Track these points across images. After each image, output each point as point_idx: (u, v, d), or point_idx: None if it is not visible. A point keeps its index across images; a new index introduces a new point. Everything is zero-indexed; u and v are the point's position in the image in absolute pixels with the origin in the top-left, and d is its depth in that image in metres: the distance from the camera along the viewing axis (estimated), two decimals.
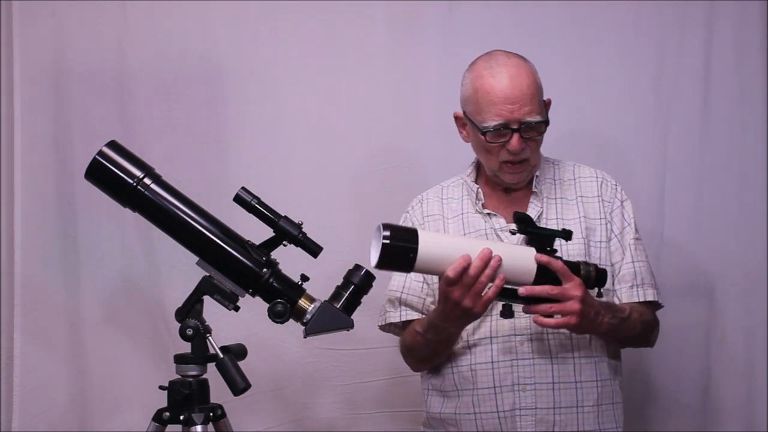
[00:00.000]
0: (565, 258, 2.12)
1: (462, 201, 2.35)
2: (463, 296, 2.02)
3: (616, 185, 2.34)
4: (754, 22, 2.81)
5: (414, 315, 2.32)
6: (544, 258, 2.05)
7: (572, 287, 2.06)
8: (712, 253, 2.82)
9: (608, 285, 2.26)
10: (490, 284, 2.02)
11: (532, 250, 2.07)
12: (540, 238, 2.08)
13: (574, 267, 2.09)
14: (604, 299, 2.19)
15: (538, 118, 2.18)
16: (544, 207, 2.29)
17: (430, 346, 2.25)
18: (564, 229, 2.10)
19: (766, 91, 2.79)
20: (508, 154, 2.20)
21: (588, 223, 2.28)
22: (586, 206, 2.30)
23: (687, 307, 2.71)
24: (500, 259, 2.01)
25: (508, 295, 2.08)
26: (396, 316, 2.34)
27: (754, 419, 2.78)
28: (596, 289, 2.12)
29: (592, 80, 2.85)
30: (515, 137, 2.18)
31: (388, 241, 1.97)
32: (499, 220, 2.29)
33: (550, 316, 2.07)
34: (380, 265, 2.01)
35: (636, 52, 2.86)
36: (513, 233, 2.10)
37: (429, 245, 2.00)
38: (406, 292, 2.33)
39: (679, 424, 2.82)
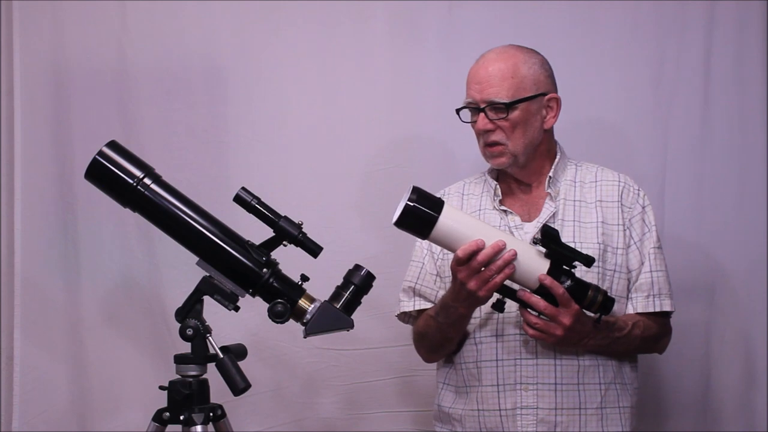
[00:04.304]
0: (578, 275, 2.12)
1: (481, 197, 2.37)
2: (469, 278, 2.07)
3: (638, 191, 2.33)
4: (754, 22, 2.81)
5: (427, 305, 2.34)
6: (548, 281, 2.07)
7: (564, 314, 2.10)
8: (712, 252, 2.81)
9: (624, 292, 2.27)
10: None
11: (546, 262, 2.09)
12: (558, 257, 2.09)
13: (583, 288, 2.10)
14: (614, 306, 2.19)
15: (500, 99, 2.21)
16: (561, 208, 2.29)
17: (441, 329, 2.26)
18: (587, 256, 2.09)
19: (766, 91, 2.79)
20: (480, 136, 2.26)
21: (605, 228, 2.28)
22: (605, 211, 2.30)
23: (687, 307, 2.70)
24: (515, 254, 2.05)
25: (506, 291, 2.11)
26: (410, 305, 2.36)
27: (754, 419, 2.78)
28: (596, 315, 2.14)
29: (592, 80, 2.84)
30: (480, 117, 2.24)
31: (411, 204, 2.04)
32: (514, 218, 2.30)
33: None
34: (399, 224, 2.07)
35: (636, 52, 2.86)
36: (535, 243, 2.10)
37: (450, 220, 2.06)
38: (420, 283, 2.35)
39: (679, 424, 2.82)
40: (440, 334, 2.28)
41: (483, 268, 2.06)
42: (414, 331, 2.39)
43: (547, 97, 2.28)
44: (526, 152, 2.27)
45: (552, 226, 2.17)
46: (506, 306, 2.15)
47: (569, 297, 2.09)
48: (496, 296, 2.12)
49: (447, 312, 2.21)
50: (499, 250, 2.04)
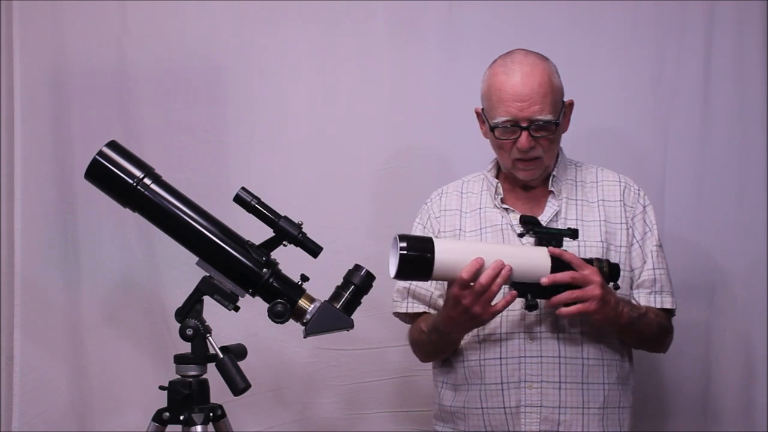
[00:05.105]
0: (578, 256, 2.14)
1: (481, 195, 2.36)
2: (474, 302, 2.06)
3: (639, 190, 2.34)
4: (754, 22, 2.81)
5: (421, 307, 2.34)
6: (557, 250, 2.08)
7: (591, 273, 2.09)
8: (712, 253, 2.82)
9: (626, 290, 2.27)
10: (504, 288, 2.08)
11: (545, 249, 2.10)
12: (547, 237, 2.11)
13: (587, 262, 2.12)
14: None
15: (547, 117, 2.19)
16: (563, 207, 2.29)
17: (434, 345, 2.28)
18: (570, 228, 2.13)
19: (766, 91, 2.79)
20: (519, 152, 2.22)
21: (608, 227, 2.28)
22: (608, 210, 2.30)
23: (687, 307, 2.70)
24: (511, 269, 2.04)
25: (529, 290, 2.10)
26: (403, 306, 2.36)
27: (754, 419, 2.78)
28: (611, 284, 2.15)
29: (592, 80, 2.84)
30: (524, 135, 2.19)
31: (404, 252, 2.01)
32: (516, 216, 2.29)
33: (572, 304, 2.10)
34: (399, 275, 2.04)
35: (636, 52, 2.86)
36: (521, 236, 2.11)
37: (445, 253, 2.04)
38: (415, 284, 2.34)
39: (679, 424, 2.82)
40: (433, 348, 2.31)
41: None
42: (409, 336, 2.40)
43: (566, 102, 2.29)
44: (553, 161, 2.29)
45: (525, 215, 2.17)
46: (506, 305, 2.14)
47: (582, 261, 2.09)
48: (520, 300, 2.11)
49: (439, 335, 2.22)
50: (499, 268, 2.03)
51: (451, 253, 2.05)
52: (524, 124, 2.19)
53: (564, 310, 2.10)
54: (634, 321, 2.19)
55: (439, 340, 2.24)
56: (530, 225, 2.11)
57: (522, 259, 2.08)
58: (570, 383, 2.21)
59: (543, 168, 2.27)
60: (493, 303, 2.07)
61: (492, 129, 2.23)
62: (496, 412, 2.23)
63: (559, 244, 2.11)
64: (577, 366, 2.22)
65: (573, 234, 2.13)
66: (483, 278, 2.03)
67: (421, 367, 2.53)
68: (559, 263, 2.09)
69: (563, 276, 2.08)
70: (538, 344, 2.22)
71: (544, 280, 2.08)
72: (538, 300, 2.11)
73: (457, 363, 2.30)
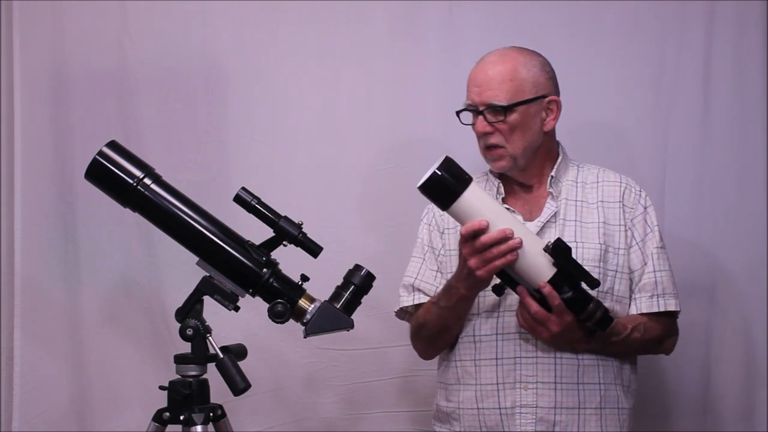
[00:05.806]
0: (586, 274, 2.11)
1: None
2: (471, 255, 2.07)
3: (640, 191, 2.33)
4: (754, 22, 2.81)
5: (427, 299, 2.34)
6: (546, 290, 2.07)
7: (554, 323, 2.11)
8: (712, 253, 2.81)
9: (626, 292, 2.28)
10: None
11: (551, 270, 2.07)
12: (566, 271, 2.07)
13: (585, 300, 2.10)
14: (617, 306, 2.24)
15: (499, 102, 2.21)
16: (563, 208, 2.29)
17: (441, 315, 2.25)
18: (593, 278, 2.08)
19: (766, 91, 2.79)
20: (480, 138, 2.26)
21: (607, 228, 2.28)
22: (607, 211, 2.30)
23: (687, 307, 2.69)
24: (521, 242, 2.04)
25: (510, 280, 2.11)
26: (409, 300, 2.36)
27: (754, 419, 2.78)
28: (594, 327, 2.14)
29: (591, 80, 2.84)
30: (479, 119, 2.25)
31: (438, 173, 2.03)
32: (516, 216, 2.28)
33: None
34: (422, 189, 2.06)
35: (636, 52, 2.86)
36: (546, 250, 2.07)
37: (471, 199, 2.05)
38: (420, 279, 2.35)
39: (679, 424, 2.82)
40: (439, 321, 2.27)
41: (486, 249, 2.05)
42: (412, 324, 2.39)
43: (546, 99, 2.28)
44: (525, 155, 2.28)
45: (563, 240, 2.11)
46: (508, 302, 2.16)
47: (564, 309, 2.09)
48: (497, 280, 2.12)
49: (449, 294, 2.20)
50: (505, 236, 2.03)
51: (477, 202, 2.06)
52: (480, 108, 2.23)
53: (518, 318, 2.16)
54: (591, 350, 2.21)
55: (447, 303, 2.21)
56: (557, 254, 2.05)
57: (528, 256, 2.06)
58: (565, 383, 2.21)
59: (511, 159, 2.27)
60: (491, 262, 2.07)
61: (457, 115, 2.28)
62: (492, 413, 2.23)
63: (574, 281, 2.09)
64: (572, 366, 2.22)
65: (592, 284, 2.08)
66: (485, 237, 2.04)
67: (421, 367, 2.53)
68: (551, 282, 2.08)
69: (530, 304, 2.09)
70: (533, 345, 2.22)
71: (518, 289, 2.10)
72: (509, 289, 2.13)
73: (452, 363, 2.31)
